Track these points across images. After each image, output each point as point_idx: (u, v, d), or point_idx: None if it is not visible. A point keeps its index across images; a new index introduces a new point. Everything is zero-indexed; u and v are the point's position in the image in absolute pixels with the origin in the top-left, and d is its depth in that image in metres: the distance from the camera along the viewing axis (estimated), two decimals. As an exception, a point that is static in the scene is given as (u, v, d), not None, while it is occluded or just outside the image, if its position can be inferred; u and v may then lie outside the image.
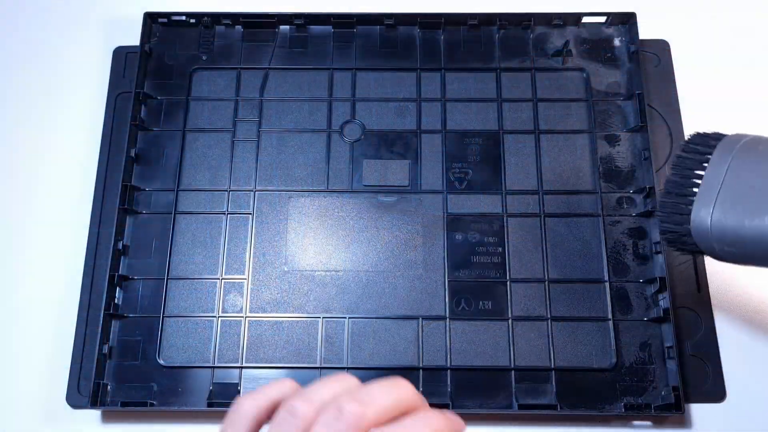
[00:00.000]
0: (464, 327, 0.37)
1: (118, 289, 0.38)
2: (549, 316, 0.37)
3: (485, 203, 0.39)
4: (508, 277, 0.37)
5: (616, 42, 0.43)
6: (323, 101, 0.42)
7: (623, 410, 0.35)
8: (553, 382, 0.36)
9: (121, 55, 0.43)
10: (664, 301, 0.36)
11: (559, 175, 0.40)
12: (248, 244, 0.39)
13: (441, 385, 0.36)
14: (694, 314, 0.38)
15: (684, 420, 0.36)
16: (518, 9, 0.43)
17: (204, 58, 0.43)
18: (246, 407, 0.22)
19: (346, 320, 0.37)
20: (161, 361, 0.36)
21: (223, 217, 0.39)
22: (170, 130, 0.41)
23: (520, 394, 0.35)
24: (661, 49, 0.43)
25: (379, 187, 0.40)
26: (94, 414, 0.37)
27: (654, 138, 0.40)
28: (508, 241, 0.38)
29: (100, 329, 0.36)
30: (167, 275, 0.38)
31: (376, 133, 0.41)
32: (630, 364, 0.36)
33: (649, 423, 0.36)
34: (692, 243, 0.29)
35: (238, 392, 0.35)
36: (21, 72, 0.45)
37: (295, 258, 0.38)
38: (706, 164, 0.29)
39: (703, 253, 0.30)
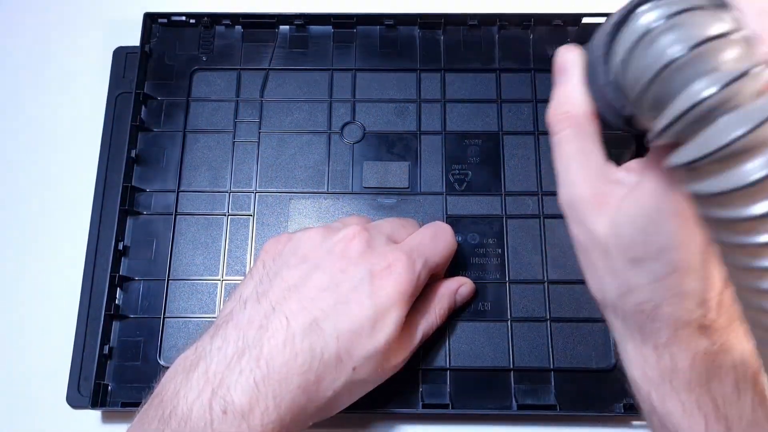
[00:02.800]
0: (464, 328, 0.37)
1: (118, 289, 0.38)
2: (548, 317, 0.37)
3: (485, 205, 0.39)
4: (507, 279, 0.38)
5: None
6: (323, 102, 0.42)
7: (622, 411, 0.35)
8: (553, 383, 0.36)
9: (121, 55, 0.43)
10: (663, 302, 0.36)
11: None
12: (249, 246, 0.39)
13: (441, 386, 0.36)
14: (694, 315, 0.38)
15: (683, 420, 0.36)
16: (518, 9, 0.43)
17: (204, 58, 0.43)
18: None
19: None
20: (162, 362, 0.36)
21: (224, 218, 0.39)
22: (170, 131, 0.41)
23: (520, 395, 0.35)
24: (660, 49, 0.43)
25: (379, 189, 0.40)
26: (95, 414, 0.37)
27: (654, 139, 0.40)
28: (507, 243, 0.38)
29: (100, 330, 0.36)
30: (168, 276, 0.38)
31: (376, 134, 0.41)
32: (629, 364, 0.36)
33: (647, 423, 0.36)
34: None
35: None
36: (20, 72, 0.45)
37: (296, 259, 0.38)
38: None
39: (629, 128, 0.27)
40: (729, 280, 0.19)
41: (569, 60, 0.26)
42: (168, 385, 0.28)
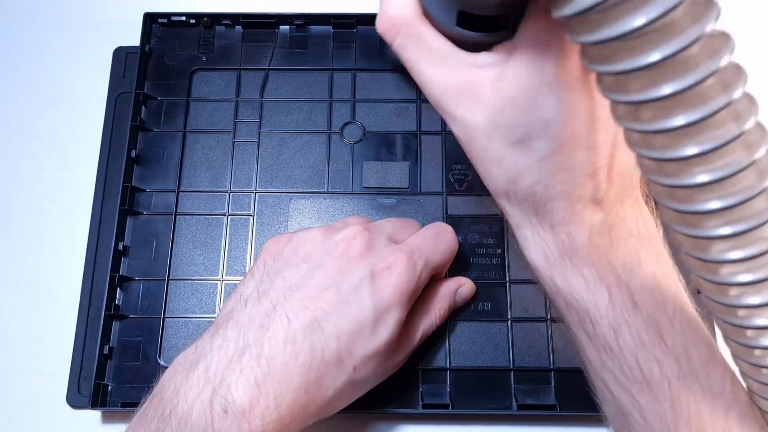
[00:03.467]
0: (464, 328, 0.37)
1: (118, 289, 0.38)
2: (548, 317, 0.37)
3: (485, 205, 0.39)
4: (507, 279, 0.38)
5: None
6: (323, 102, 0.42)
7: (622, 411, 0.35)
8: (553, 383, 0.36)
9: (121, 55, 0.43)
10: (663, 302, 0.36)
11: (558, 176, 0.40)
12: (249, 246, 0.39)
13: (441, 386, 0.36)
14: (693, 315, 0.38)
15: (683, 420, 0.36)
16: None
17: (204, 58, 0.43)
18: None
19: (346, 321, 0.37)
20: (162, 362, 0.36)
21: (224, 218, 0.39)
22: (170, 131, 0.41)
23: (520, 395, 0.35)
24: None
25: (379, 189, 0.40)
26: (95, 414, 0.37)
27: (653, 139, 0.40)
28: (507, 243, 0.38)
29: (100, 330, 0.36)
30: (168, 276, 0.38)
31: (376, 134, 0.41)
32: (629, 364, 0.36)
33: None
34: None
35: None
36: (20, 72, 0.45)
37: (296, 259, 0.38)
38: None
39: None
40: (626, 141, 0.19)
41: None
42: (168, 384, 0.28)
